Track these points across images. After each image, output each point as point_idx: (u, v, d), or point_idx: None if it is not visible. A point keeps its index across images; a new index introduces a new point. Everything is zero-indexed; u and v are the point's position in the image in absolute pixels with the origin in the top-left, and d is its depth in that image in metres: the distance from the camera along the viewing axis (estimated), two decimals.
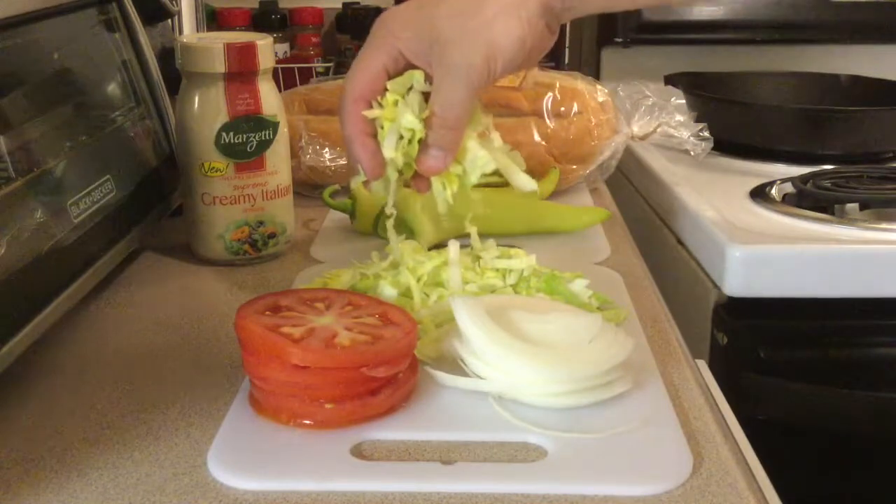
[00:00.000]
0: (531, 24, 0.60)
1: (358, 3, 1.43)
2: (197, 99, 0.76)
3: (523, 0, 0.59)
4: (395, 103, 0.61)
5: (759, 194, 1.03)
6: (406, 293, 0.66)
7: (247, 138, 0.77)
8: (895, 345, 0.92)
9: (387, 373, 0.54)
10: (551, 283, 0.69)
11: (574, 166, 0.96)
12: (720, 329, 0.91)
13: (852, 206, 0.98)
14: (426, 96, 0.61)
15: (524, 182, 0.65)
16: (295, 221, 0.83)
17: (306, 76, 1.27)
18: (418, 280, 0.66)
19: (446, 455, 0.51)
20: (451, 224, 0.78)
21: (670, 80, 1.30)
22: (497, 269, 0.69)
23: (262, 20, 1.41)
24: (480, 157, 0.63)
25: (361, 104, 0.62)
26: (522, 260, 0.69)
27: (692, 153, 1.06)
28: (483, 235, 0.72)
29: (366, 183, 0.64)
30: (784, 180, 1.07)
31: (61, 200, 0.65)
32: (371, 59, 0.61)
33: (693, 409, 0.57)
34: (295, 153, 0.92)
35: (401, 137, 0.61)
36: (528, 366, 0.55)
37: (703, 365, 0.70)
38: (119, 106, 0.80)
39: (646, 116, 1.00)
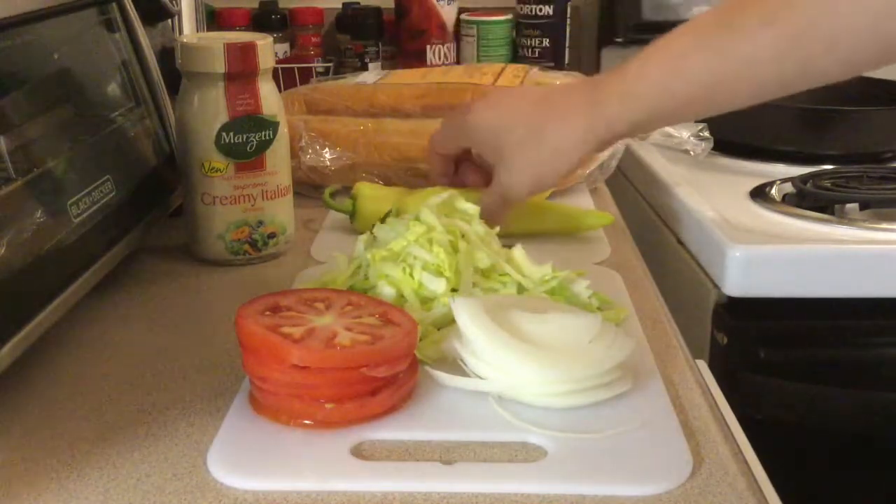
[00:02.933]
0: (581, 159, 0.72)
1: (358, 3, 1.43)
2: (197, 99, 0.76)
3: (582, 141, 0.70)
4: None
5: (759, 194, 1.03)
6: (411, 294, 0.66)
7: (247, 138, 0.77)
8: (895, 345, 0.92)
9: (387, 373, 0.54)
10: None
11: None
12: (720, 329, 0.91)
13: (852, 206, 0.98)
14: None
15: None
16: (295, 221, 0.83)
17: (306, 76, 1.27)
18: (418, 287, 0.65)
19: (446, 455, 0.51)
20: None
21: None
22: (503, 273, 0.68)
23: (262, 20, 1.41)
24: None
25: (443, 157, 0.80)
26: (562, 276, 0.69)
27: (692, 153, 1.06)
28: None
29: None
30: (784, 180, 1.07)
31: (61, 200, 0.65)
32: (451, 141, 0.79)
33: (693, 409, 0.57)
34: (295, 153, 0.92)
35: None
36: (528, 366, 0.55)
37: (703, 365, 0.70)
38: (119, 106, 0.80)
39: None
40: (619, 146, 0.97)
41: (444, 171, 0.81)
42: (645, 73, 0.67)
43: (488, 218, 0.71)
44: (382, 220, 0.79)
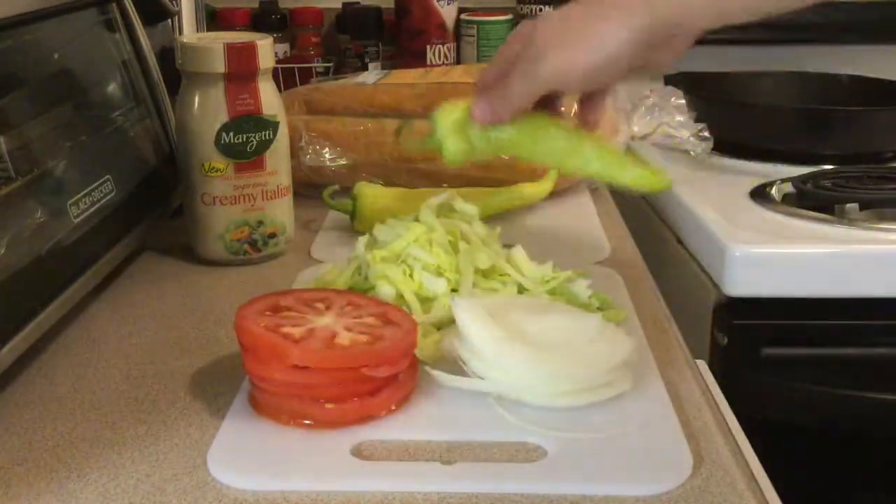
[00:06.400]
0: (631, 46, 0.59)
1: (358, 2, 1.43)
2: (197, 99, 0.76)
3: (632, 16, 0.59)
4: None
5: (759, 194, 1.03)
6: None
7: (247, 138, 0.77)
8: (895, 345, 0.92)
9: (387, 373, 0.54)
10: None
11: None
12: (720, 329, 0.91)
13: (852, 206, 0.98)
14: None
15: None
16: (295, 221, 0.83)
17: (306, 76, 1.27)
18: (418, 288, 0.65)
19: (446, 455, 0.51)
20: (486, 148, 0.65)
21: (670, 80, 1.30)
22: (503, 273, 0.68)
23: (262, 20, 1.41)
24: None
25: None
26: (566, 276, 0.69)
27: (692, 153, 1.06)
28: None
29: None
30: (784, 180, 1.07)
31: (61, 200, 0.65)
32: (491, 66, 0.65)
33: (693, 409, 0.57)
34: (295, 153, 0.92)
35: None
36: (528, 366, 0.55)
37: (703, 365, 0.70)
38: (119, 106, 0.80)
39: (646, 116, 1.00)
40: (619, 146, 0.97)
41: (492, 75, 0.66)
42: None
43: (499, 109, 0.63)
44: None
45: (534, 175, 0.93)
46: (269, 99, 0.78)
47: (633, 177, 0.64)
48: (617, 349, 0.57)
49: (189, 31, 1.02)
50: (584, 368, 0.55)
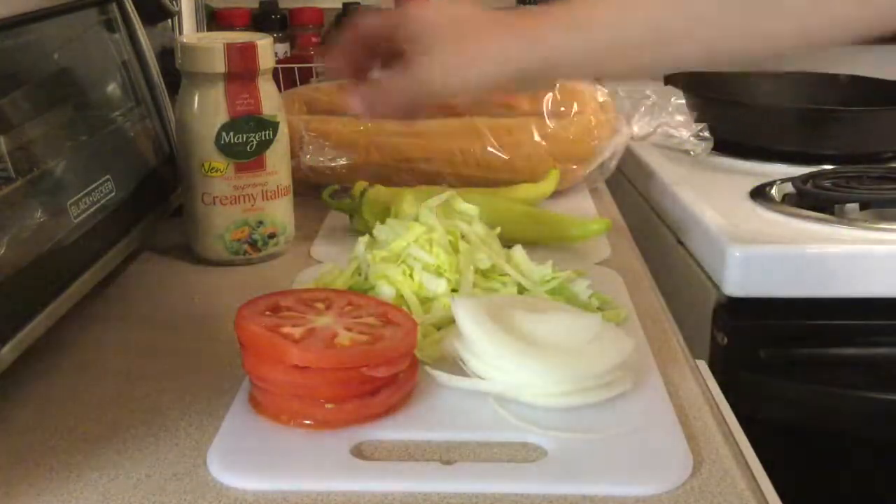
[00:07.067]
0: (505, 75, 0.65)
1: (358, 3, 1.43)
2: (197, 99, 0.76)
3: (513, 55, 0.65)
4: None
5: (759, 194, 1.03)
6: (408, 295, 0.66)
7: (247, 138, 0.77)
8: (895, 345, 0.92)
9: (387, 373, 0.54)
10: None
11: (574, 166, 0.96)
12: (720, 329, 0.91)
13: (852, 206, 0.98)
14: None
15: None
16: (295, 221, 0.83)
17: (306, 76, 1.27)
18: (418, 288, 0.65)
19: (446, 455, 0.51)
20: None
21: (670, 80, 1.30)
22: (503, 273, 0.68)
23: (262, 20, 1.41)
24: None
25: (353, 41, 0.68)
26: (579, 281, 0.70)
27: (692, 153, 1.06)
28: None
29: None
30: (784, 180, 1.07)
31: (61, 200, 0.65)
32: (378, 22, 0.68)
33: (693, 409, 0.57)
34: (295, 153, 0.92)
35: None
36: (528, 366, 0.55)
37: (703, 365, 0.70)
38: (119, 106, 0.80)
39: (646, 116, 1.00)
40: (619, 146, 0.97)
41: (347, 56, 0.69)
42: (594, 9, 0.65)
43: (377, 108, 0.66)
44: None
45: (535, 175, 0.93)
46: (269, 99, 0.78)
47: (578, 233, 0.82)
48: (617, 349, 0.57)
49: (189, 31, 1.02)
50: (584, 368, 0.55)
